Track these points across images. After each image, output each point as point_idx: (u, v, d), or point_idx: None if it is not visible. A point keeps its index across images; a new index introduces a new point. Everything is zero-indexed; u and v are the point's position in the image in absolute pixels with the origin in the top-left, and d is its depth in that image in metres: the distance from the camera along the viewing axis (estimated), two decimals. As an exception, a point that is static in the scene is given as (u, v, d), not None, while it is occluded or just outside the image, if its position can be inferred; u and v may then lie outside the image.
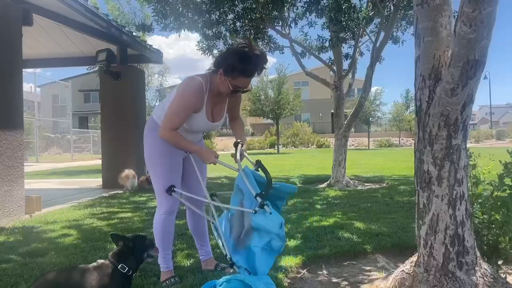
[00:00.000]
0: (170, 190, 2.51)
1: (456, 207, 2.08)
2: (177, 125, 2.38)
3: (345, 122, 7.56)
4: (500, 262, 2.45)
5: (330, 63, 8.06)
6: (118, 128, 7.63)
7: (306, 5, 6.93)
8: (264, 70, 2.43)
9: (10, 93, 4.73)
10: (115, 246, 2.20)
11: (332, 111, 9.27)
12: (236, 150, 2.40)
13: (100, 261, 2.10)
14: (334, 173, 7.43)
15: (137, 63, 9.51)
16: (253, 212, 2.05)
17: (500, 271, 2.40)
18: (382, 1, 7.07)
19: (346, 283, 2.63)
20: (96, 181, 8.46)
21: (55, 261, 3.03)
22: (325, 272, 2.87)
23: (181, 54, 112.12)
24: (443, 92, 1.99)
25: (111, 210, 5.29)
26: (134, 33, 8.19)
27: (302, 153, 22.97)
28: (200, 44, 7.80)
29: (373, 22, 8.01)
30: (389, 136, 36.05)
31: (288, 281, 2.65)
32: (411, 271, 2.21)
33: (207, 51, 7.78)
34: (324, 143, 32.23)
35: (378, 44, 7.19)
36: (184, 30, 7.28)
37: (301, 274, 2.79)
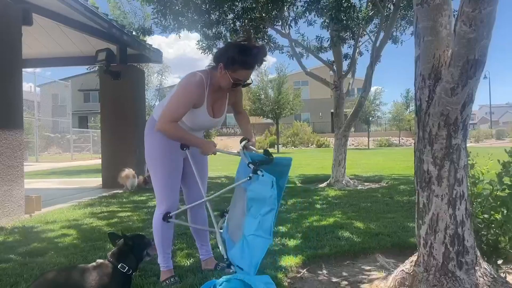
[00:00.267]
0: (166, 217, 2.53)
1: (456, 206, 2.08)
2: (177, 118, 2.37)
3: (345, 121, 7.56)
4: (500, 262, 2.45)
5: (329, 63, 8.06)
6: (118, 127, 7.63)
7: (306, 4, 6.92)
8: (263, 62, 2.44)
9: (10, 93, 4.73)
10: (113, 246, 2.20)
11: (332, 110, 9.27)
12: (241, 143, 2.46)
13: (100, 261, 2.09)
14: (334, 173, 7.43)
15: (137, 63, 9.51)
16: (248, 178, 2.16)
17: (500, 271, 2.40)
18: (382, 1, 7.07)
19: (346, 282, 2.63)
20: (96, 180, 8.46)
21: (54, 261, 3.03)
22: (325, 271, 2.87)
23: (181, 54, 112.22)
24: (443, 92, 1.99)
25: (111, 209, 5.29)
26: (134, 33, 8.19)
27: (302, 153, 22.98)
28: (200, 43, 7.81)
29: (373, 22, 8.02)
30: (389, 135, 36.07)
31: (288, 280, 2.65)
32: (411, 271, 2.21)
33: (207, 51, 7.78)
34: (324, 143, 32.25)
35: (378, 44, 7.19)
36: (183, 30, 7.28)
37: (301, 273, 2.79)
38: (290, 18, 7.56)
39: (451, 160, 2.07)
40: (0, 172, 4.47)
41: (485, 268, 2.12)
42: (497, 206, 2.38)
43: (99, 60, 7.10)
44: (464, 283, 2.04)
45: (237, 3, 7.00)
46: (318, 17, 7.16)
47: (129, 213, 4.99)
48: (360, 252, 3.20)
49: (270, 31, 7.88)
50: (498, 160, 2.42)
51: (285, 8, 7.40)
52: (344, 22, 6.43)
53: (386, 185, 7.49)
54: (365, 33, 7.93)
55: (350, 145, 24.91)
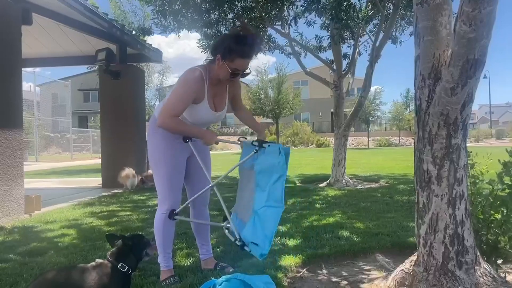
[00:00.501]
0: (172, 215, 2.53)
1: (455, 206, 2.08)
2: (178, 112, 2.38)
3: (345, 121, 7.56)
4: (499, 261, 2.45)
5: (329, 62, 8.06)
6: (118, 127, 7.62)
7: (306, 4, 6.92)
8: (260, 51, 2.46)
9: (10, 93, 4.72)
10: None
11: (332, 110, 9.27)
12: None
13: (99, 260, 2.09)
14: (333, 173, 7.43)
15: (137, 62, 9.50)
16: (255, 152, 2.21)
17: (499, 270, 2.41)
18: (382, 1, 7.07)
19: (345, 282, 2.63)
20: (96, 180, 8.45)
21: (54, 261, 3.03)
22: (324, 271, 2.87)
23: (180, 53, 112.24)
24: (442, 91, 1.99)
25: (110, 209, 5.29)
26: (134, 33, 8.19)
27: (302, 152, 22.96)
28: (201, 42, 7.81)
29: (372, 22, 8.02)
30: (389, 135, 36.09)
31: (288, 280, 2.65)
32: (410, 271, 2.21)
33: (207, 50, 7.78)
34: (323, 143, 32.25)
35: (377, 44, 7.19)
36: (183, 29, 7.28)
37: (301, 273, 2.79)
38: (290, 18, 7.56)
39: (451, 159, 2.07)
40: (0, 171, 4.47)
41: (485, 268, 2.12)
42: (497, 206, 2.38)
43: (99, 59, 7.10)
44: (464, 282, 2.04)
45: (236, 3, 6.99)
46: (318, 17, 7.17)
47: (129, 213, 4.99)
48: (360, 252, 3.20)
49: (270, 31, 7.89)
50: (499, 160, 2.42)
51: (284, 8, 7.40)
52: (344, 21, 6.43)
53: (386, 184, 7.49)
54: (364, 32, 7.93)
55: (350, 144, 24.92)
